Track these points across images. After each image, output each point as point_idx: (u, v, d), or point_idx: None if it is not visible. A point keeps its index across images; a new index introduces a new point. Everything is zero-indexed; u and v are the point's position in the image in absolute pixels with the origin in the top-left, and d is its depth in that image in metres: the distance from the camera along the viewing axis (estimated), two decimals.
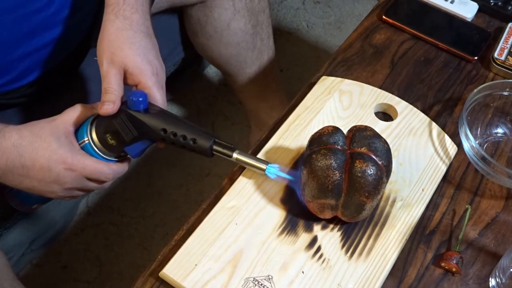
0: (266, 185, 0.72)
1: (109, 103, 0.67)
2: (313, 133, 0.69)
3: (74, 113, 0.70)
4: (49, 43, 0.86)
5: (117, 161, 0.73)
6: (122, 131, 0.68)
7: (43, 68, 0.88)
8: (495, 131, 0.82)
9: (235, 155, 0.68)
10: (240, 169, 0.75)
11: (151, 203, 1.37)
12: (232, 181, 0.73)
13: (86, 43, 0.95)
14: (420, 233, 0.72)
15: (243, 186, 0.72)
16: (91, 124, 0.70)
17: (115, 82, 0.68)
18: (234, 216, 0.69)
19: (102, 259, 1.28)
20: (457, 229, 0.72)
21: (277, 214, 0.70)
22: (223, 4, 1.06)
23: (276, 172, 0.69)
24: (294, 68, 1.63)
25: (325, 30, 1.77)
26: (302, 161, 0.67)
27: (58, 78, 0.94)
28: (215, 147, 0.68)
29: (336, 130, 0.67)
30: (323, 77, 0.85)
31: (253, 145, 0.78)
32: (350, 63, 0.90)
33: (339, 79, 0.84)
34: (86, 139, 0.70)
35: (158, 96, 0.71)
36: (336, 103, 0.81)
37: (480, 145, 0.79)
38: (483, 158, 0.73)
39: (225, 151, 0.68)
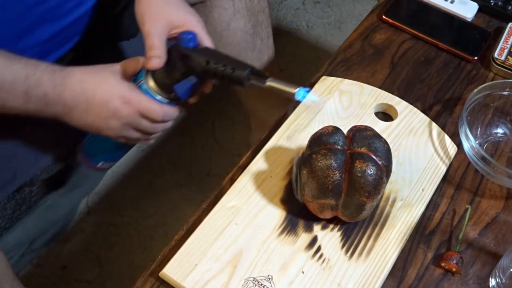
0: (266, 185, 0.72)
1: (156, 58, 0.73)
2: (313, 133, 0.69)
3: (132, 61, 0.77)
4: (53, 35, 0.85)
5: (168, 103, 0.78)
6: (172, 68, 0.74)
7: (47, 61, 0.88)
8: (495, 131, 0.82)
9: (268, 82, 0.69)
10: (240, 169, 0.75)
11: (151, 203, 1.37)
12: (232, 181, 0.73)
13: (90, 37, 0.95)
14: (420, 233, 0.72)
15: (243, 186, 0.72)
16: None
17: (158, 38, 0.74)
18: (234, 216, 0.69)
19: (102, 259, 1.28)
20: (457, 229, 0.72)
21: (277, 214, 0.70)
22: (222, 4, 1.06)
23: (306, 94, 0.68)
24: (294, 68, 1.63)
25: (325, 30, 1.77)
26: (302, 161, 0.67)
27: None
28: (251, 75, 0.70)
29: (336, 130, 0.67)
30: (323, 77, 0.85)
31: (253, 145, 0.78)
32: (350, 63, 0.89)
33: (339, 79, 0.84)
34: (142, 80, 0.76)
35: (206, 38, 0.76)
36: (336, 103, 0.81)
37: (480, 145, 0.79)
38: (483, 158, 0.73)
39: (259, 79, 0.70)
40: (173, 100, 0.77)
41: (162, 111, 0.77)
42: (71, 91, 0.74)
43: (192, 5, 1.08)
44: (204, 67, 0.71)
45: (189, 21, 0.76)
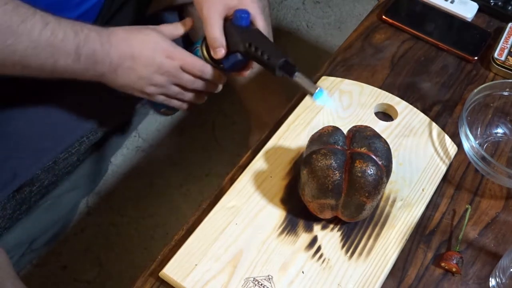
0: (266, 185, 0.72)
1: (220, 49, 0.77)
2: (313, 133, 0.69)
3: (171, 26, 0.83)
4: None
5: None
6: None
7: None
8: (495, 131, 0.82)
9: (295, 77, 0.72)
10: (240, 169, 0.75)
11: (151, 203, 1.37)
12: (232, 181, 0.73)
13: None
14: (420, 233, 0.72)
15: (243, 186, 0.72)
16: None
17: (218, 28, 0.77)
18: (234, 216, 0.69)
19: (102, 259, 1.28)
20: (457, 229, 0.72)
21: (277, 214, 0.70)
22: None
23: (322, 96, 0.71)
24: None
25: (325, 30, 1.77)
26: (302, 161, 0.67)
27: None
28: (282, 66, 0.73)
29: (336, 130, 0.67)
30: (323, 77, 0.85)
31: (253, 145, 0.78)
32: (350, 63, 0.89)
33: (339, 79, 0.84)
34: (198, 46, 0.81)
35: (259, 18, 0.78)
36: (336, 103, 0.81)
37: (480, 145, 0.79)
38: (483, 158, 0.73)
39: (289, 71, 0.73)
40: (221, 70, 0.82)
41: (202, 65, 0.80)
42: (117, 49, 0.76)
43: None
44: (245, 48, 0.75)
45: (244, 1, 0.78)
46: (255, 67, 0.80)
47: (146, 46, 0.78)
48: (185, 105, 0.88)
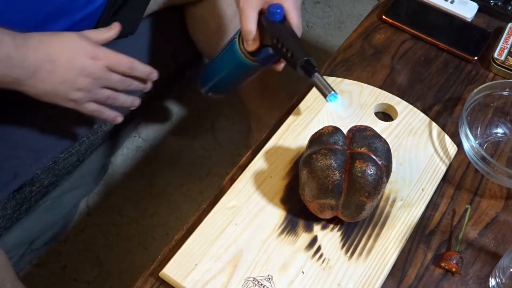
0: (266, 185, 0.72)
1: (253, 42, 0.77)
2: (313, 133, 0.69)
3: (97, 30, 0.79)
4: (63, 30, 0.85)
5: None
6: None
7: None
8: (495, 131, 0.82)
9: (313, 77, 0.74)
10: (240, 169, 0.75)
11: (151, 203, 1.37)
12: (232, 181, 0.73)
13: None
14: (420, 233, 0.72)
15: (243, 186, 0.72)
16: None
17: (252, 21, 0.76)
18: (234, 216, 0.69)
19: (102, 259, 1.28)
20: (457, 229, 0.72)
21: (277, 214, 0.70)
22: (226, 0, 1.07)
23: (334, 100, 0.73)
24: None
25: (325, 30, 1.77)
26: (302, 161, 0.67)
27: None
28: (303, 66, 0.74)
29: (336, 130, 0.67)
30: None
31: (253, 145, 0.78)
32: (350, 63, 0.89)
33: (339, 79, 0.84)
34: (235, 37, 0.81)
35: (293, 14, 0.77)
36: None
37: (480, 145, 0.79)
38: (483, 158, 0.73)
39: (308, 72, 0.74)
40: (255, 63, 0.82)
41: (129, 61, 0.77)
42: (35, 51, 0.72)
43: (195, 2, 1.08)
44: (272, 43, 0.77)
45: None
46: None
47: (66, 48, 0.73)
48: (128, 101, 0.83)
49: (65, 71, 0.73)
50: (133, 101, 0.84)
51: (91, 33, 0.78)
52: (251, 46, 0.78)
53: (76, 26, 0.87)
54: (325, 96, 0.73)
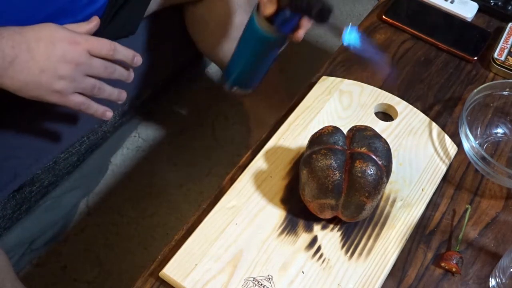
0: (266, 185, 0.72)
1: (270, 4, 0.74)
2: (313, 133, 0.69)
3: (75, 24, 0.77)
4: None
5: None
6: None
7: None
8: (495, 131, 0.82)
9: (328, 23, 0.74)
10: (240, 169, 0.75)
11: (151, 203, 1.37)
12: (232, 181, 0.73)
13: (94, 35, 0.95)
14: (420, 233, 0.72)
15: (243, 186, 0.72)
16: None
17: None
18: (234, 216, 0.69)
19: (102, 259, 1.28)
20: (457, 229, 0.72)
21: (277, 214, 0.70)
22: None
23: (351, 38, 0.73)
24: (294, 68, 1.63)
25: (325, 30, 1.76)
26: (302, 161, 0.67)
27: None
28: (317, 12, 0.74)
29: (336, 130, 0.67)
30: (323, 77, 0.85)
31: (253, 145, 0.78)
32: (350, 63, 0.89)
33: (339, 79, 0.84)
34: (254, 9, 0.80)
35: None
36: (336, 103, 0.81)
37: (480, 145, 0.79)
38: (483, 158, 0.73)
39: (320, 18, 0.74)
40: (275, 32, 0.80)
41: (111, 44, 0.74)
42: (9, 40, 0.69)
43: (195, 1, 1.08)
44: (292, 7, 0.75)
45: None
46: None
47: (44, 36, 0.70)
48: (114, 93, 0.80)
49: (45, 59, 0.70)
50: (120, 94, 0.81)
51: (70, 26, 0.76)
52: (268, 8, 0.75)
53: None
54: (341, 35, 0.73)
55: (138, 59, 0.80)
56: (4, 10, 0.76)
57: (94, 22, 0.78)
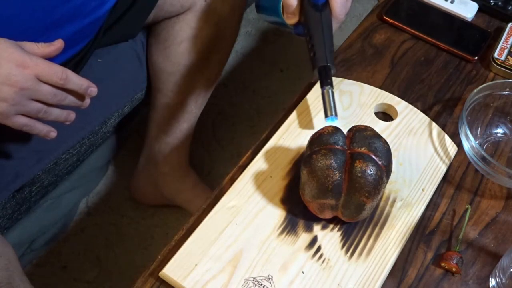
0: (266, 185, 0.72)
1: (291, 16, 0.78)
2: (313, 133, 0.69)
3: (36, 44, 0.72)
4: (71, 35, 0.83)
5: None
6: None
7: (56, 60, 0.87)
8: (495, 131, 0.82)
9: (323, 89, 0.75)
10: (240, 169, 0.75)
11: None
12: (232, 181, 0.73)
13: (97, 39, 0.94)
14: (420, 233, 0.72)
15: (243, 186, 0.72)
16: None
17: None
18: (234, 216, 0.69)
19: (102, 259, 1.28)
20: (457, 229, 0.72)
21: (277, 214, 0.70)
22: (187, 19, 1.05)
23: (332, 121, 0.74)
24: (294, 68, 1.63)
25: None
26: (302, 161, 0.67)
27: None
28: (319, 71, 0.75)
29: (336, 130, 0.67)
30: None
31: (253, 145, 0.78)
32: (350, 63, 0.89)
33: (339, 79, 0.84)
34: (280, 2, 0.80)
35: (337, 2, 0.76)
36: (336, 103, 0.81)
37: (480, 145, 0.79)
38: (483, 158, 0.73)
39: (321, 79, 0.75)
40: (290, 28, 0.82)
41: (62, 72, 0.70)
42: None
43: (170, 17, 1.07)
44: (302, 31, 0.78)
45: None
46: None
47: None
48: (62, 116, 0.76)
49: None
50: (68, 116, 0.76)
51: (27, 45, 0.71)
52: (290, 19, 0.78)
53: (82, 32, 0.87)
54: (325, 115, 0.74)
55: (93, 90, 0.75)
56: (10, 15, 0.76)
57: (57, 46, 0.73)
